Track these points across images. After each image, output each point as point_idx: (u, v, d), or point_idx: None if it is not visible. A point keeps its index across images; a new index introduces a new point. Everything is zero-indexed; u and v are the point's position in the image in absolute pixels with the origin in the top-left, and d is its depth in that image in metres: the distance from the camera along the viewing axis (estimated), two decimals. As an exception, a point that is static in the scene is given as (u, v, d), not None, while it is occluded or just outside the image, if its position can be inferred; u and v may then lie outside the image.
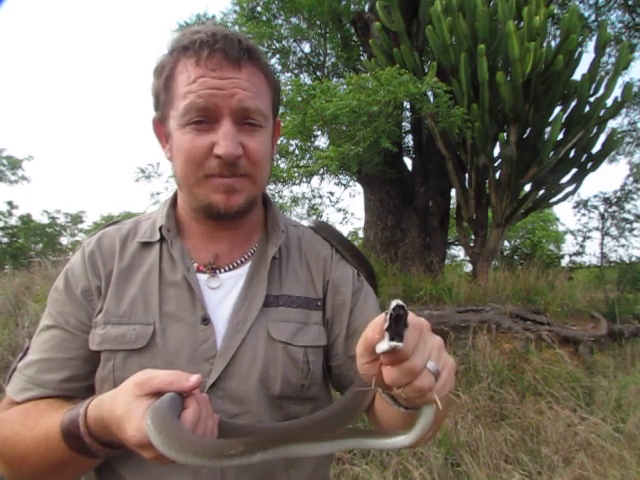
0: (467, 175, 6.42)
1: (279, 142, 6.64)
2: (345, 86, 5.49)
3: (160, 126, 0.84)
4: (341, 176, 7.32)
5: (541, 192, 6.31)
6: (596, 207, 9.80)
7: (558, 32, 6.71)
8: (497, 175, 6.07)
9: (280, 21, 7.70)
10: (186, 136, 0.76)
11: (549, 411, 3.54)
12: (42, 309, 0.86)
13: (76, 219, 13.70)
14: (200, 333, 0.78)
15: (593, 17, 8.59)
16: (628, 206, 9.81)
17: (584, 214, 9.93)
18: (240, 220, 0.84)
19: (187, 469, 0.74)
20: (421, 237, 6.89)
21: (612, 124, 7.37)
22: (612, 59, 8.34)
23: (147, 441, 0.56)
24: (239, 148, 0.75)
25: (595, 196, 9.78)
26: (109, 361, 0.77)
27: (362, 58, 7.35)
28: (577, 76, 5.73)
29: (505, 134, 5.66)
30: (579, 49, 5.70)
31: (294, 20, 7.67)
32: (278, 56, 7.96)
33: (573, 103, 5.76)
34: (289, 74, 8.19)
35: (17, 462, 0.73)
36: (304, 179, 6.08)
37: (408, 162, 7.77)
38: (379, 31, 6.11)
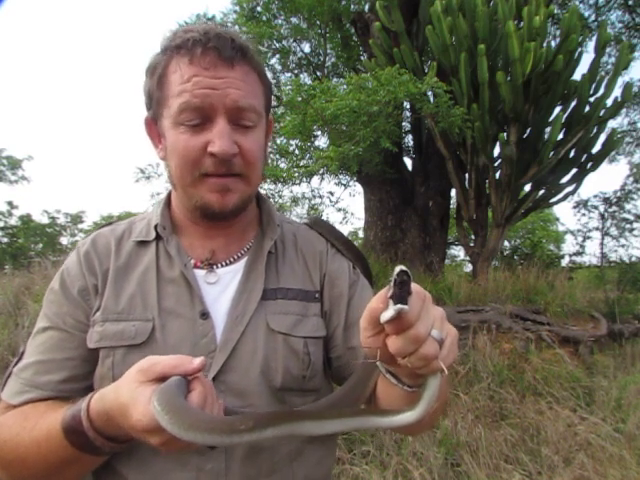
0: (467, 175, 6.41)
1: (279, 142, 6.64)
2: (345, 86, 5.49)
3: (153, 125, 0.83)
4: (341, 176, 7.32)
5: (541, 192, 6.31)
6: (596, 207, 9.82)
7: (558, 32, 6.71)
8: (497, 175, 6.07)
9: (280, 21, 7.70)
10: (181, 136, 0.76)
11: (549, 411, 3.54)
12: (42, 309, 0.86)
13: (76, 219, 13.69)
14: (199, 328, 0.78)
15: (593, 17, 8.60)
16: (628, 206, 9.83)
17: (584, 214, 9.95)
18: (234, 219, 0.85)
19: (190, 465, 0.74)
20: (421, 237, 6.89)
21: (612, 124, 7.38)
22: (612, 59, 8.34)
23: (154, 425, 0.56)
24: (234, 146, 0.76)
25: (595, 196, 9.81)
26: (108, 358, 0.76)
27: (362, 58, 7.35)
28: (577, 76, 5.74)
29: (505, 134, 5.66)
30: (579, 49, 5.70)
31: (294, 20, 7.67)
32: (278, 56, 7.95)
33: (573, 103, 5.76)
34: (289, 74, 8.20)
35: (16, 465, 0.72)
36: (304, 179, 6.08)
37: (408, 162, 7.78)
38: (379, 31, 6.11)
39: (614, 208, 9.82)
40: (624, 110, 8.84)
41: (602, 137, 5.93)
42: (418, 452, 2.93)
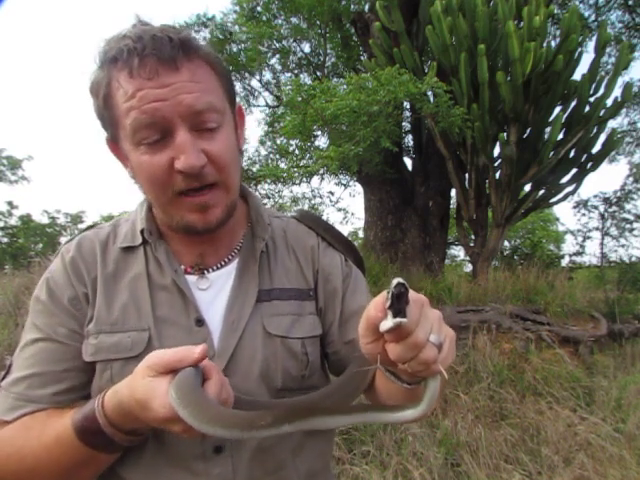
0: (467, 175, 6.41)
1: (279, 142, 6.64)
2: (345, 86, 5.49)
3: (114, 145, 0.77)
4: (341, 176, 7.33)
5: (541, 192, 6.31)
6: (596, 207, 9.80)
7: (558, 32, 6.71)
8: (497, 175, 6.07)
9: (280, 21, 7.70)
10: (143, 157, 0.70)
11: (549, 411, 3.54)
12: (28, 320, 0.81)
13: (76, 219, 13.68)
14: (196, 335, 0.76)
15: (593, 17, 8.59)
16: (628, 206, 9.81)
17: (584, 214, 9.93)
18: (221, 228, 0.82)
19: (198, 472, 0.73)
20: (421, 237, 6.89)
21: (612, 124, 7.36)
22: (612, 59, 8.34)
23: (174, 415, 0.58)
24: (201, 157, 0.69)
25: (595, 196, 9.78)
26: (106, 371, 0.74)
27: (362, 58, 7.35)
28: (577, 76, 5.74)
29: (505, 134, 5.66)
30: (579, 49, 5.70)
31: (294, 20, 7.67)
32: (278, 56, 7.96)
33: (573, 103, 5.76)
34: (289, 74, 8.21)
35: (23, 476, 0.71)
36: (304, 179, 6.08)
37: (408, 162, 7.78)
38: (379, 31, 6.11)
39: (614, 208, 9.81)
40: (624, 110, 8.83)
41: (602, 137, 5.94)
42: (418, 452, 2.93)
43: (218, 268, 0.83)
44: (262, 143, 7.59)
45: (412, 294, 0.52)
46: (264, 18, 7.50)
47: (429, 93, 5.55)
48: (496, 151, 5.99)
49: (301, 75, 8.10)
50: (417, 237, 6.88)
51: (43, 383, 0.74)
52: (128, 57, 0.67)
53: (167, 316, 0.78)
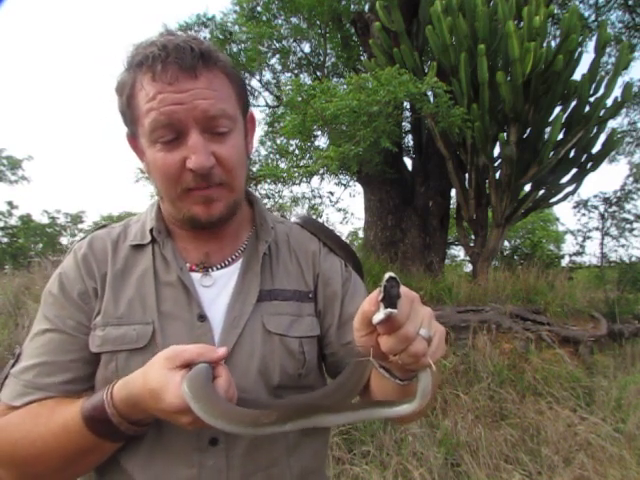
0: (467, 175, 6.41)
1: (279, 142, 6.64)
2: (345, 86, 5.49)
3: (134, 141, 0.84)
4: (341, 176, 7.33)
5: (541, 192, 6.31)
6: (596, 207, 9.80)
7: (558, 32, 6.71)
8: (497, 175, 6.07)
9: (280, 21, 7.69)
10: (158, 154, 0.76)
11: (549, 411, 3.54)
12: (39, 311, 0.86)
13: (76, 219, 13.69)
14: (197, 330, 0.80)
15: (593, 17, 8.59)
16: (628, 206, 9.81)
17: (584, 214, 9.93)
18: (224, 224, 0.85)
19: (193, 462, 0.76)
20: (421, 237, 6.89)
21: (612, 124, 7.37)
22: (612, 59, 8.34)
23: (184, 407, 0.63)
24: (210, 158, 0.75)
25: (595, 196, 9.78)
26: (111, 362, 0.78)
27: (362, 58, 7.35)
28: (577, 76, 5.74)
29: (505, 134, 5.66)
30: (579, 49, 5.70)
31: (294, 20, 7.66)
32: (278, 56, 7.96)
33: (573, 103, 5.76)
34: (289, 74, 8.20)
35: (29, 463, 0.74)
36: (304, 179, 6.08)
37: (408, 162, 7.78)
38: (379, 31, 6.11)
39: (614, 208, 9.81)
40: (624, 110, 8.84)
41: (602, 137, 5.93)
42: (418, 452, 2.93)
43: (222, 267, 0.87)
44: (262, 143, 7.58)
45: (404, 289, 0.56)
46: (264, 18, 7.50)
47: (429, 93, 5.55)
48: (496, 151, 5.99)
49: (301, 75, 8.10)
50: (417, 237, 6.88)
51: (51, 372, 0.77)
52: (153, 63, 0.73)
53: (171, 311, 0.81)
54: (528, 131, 5.90)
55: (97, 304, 0.82)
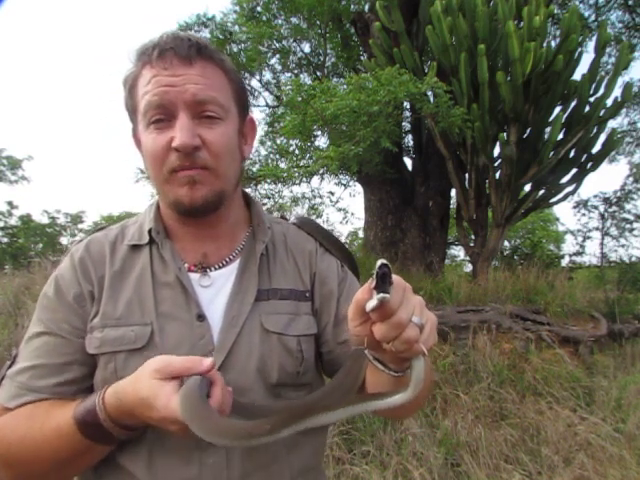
0: (467, 175, 6.41)
1: (279, 142, 6.64)
2: (345, 86, 5.49)
3: (136, 136, 0.86)
4: (341, 176, 7.33)
5: (541, 192, 6.31)
6: (596, 207, 9.80)
7: (558, 32, 6.71)
8: (497, 175, 6.07)
9: (280, 21, 7.69)
10: (150, 136, 0.78)
11: (549, 411, 3.54)
12: (35, 314, 0.86)
13: (76, 219, 13.70)
14: (196, 330, 0.80)
15: (593, 17, 8.59)
16: (628, 206, 9.81)
17: (584, 214, 9.93)
18: (215, 217, 0.85)
19: (193, 461, 0.77)
20: (421, 237, 6.89)
21: (612, 124, 7.36)
22: (612, 59, 8.34)
23: (175, 418, 0.64)
24: (196, 139, 0.76)
25: (595, 196, 9.78)
26: (110, 363, 0.78)
27: (362, 58, 7.35)
28: (577, 76, 5.74)
29: (505, 134, 5.66)
30: (579, 49, 5.70)
31: (294, 20, 7.66)
32: (278, 56, 7.95)
33: (573, 103, 5.76)
34: (289, 74, 8.20)
35: (23, 464, 0.74)
36: (304, 179, 6.08)
37: (408, 162, 7.78)
38: (379, 31, 6.11)
39: (614, 208, 9.80)
40: (624, 110, 8.84)
41: (602, 137, 5.94)
42: (418, 452, 2.93)
43: (220, 267, 0.87)
44: (262, 143, 7.59)
45: (396, 278, 0.57)
46: (264, 18, 7.50)
47: (429, 93, 5.55)
48: (496, 151, 5.99)
49: (301, 75, 8.10)
50: (417, 237, 6.88)
51: (45, 374, 0.78)
52: (152, 51, 0.77)
53: (169, 311, 0.82)
54: (528, 131, 5.90)
55: (94, 306, 0.82)
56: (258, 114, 8.25)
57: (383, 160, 5.93)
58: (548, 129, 5.84)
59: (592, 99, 5.68)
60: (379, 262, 0.54)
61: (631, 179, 9.84)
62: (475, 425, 3.29)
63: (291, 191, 6.94)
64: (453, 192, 7.01)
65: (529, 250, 10.88)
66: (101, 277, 0.84)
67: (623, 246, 9.75)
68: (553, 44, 5.93)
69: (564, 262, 10.41)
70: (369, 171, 6.06)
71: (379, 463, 2.85)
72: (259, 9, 7.55)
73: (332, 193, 7.21)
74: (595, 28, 7.48)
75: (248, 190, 4.86)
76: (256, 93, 8.21)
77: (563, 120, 5.66)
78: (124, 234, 0.89)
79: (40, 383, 0.77)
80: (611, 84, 5.60)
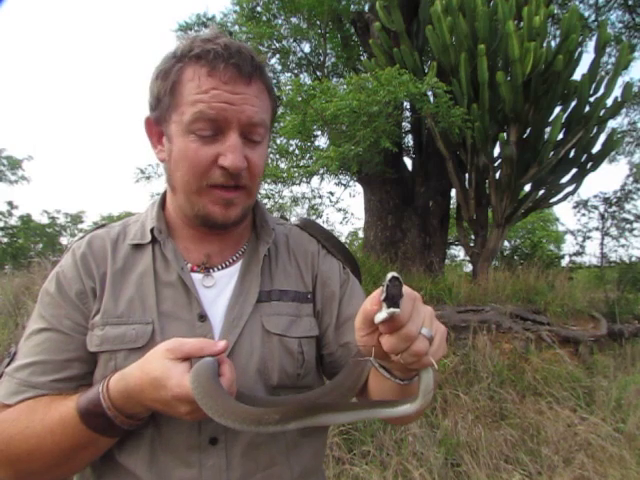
0: (467, 175, 6.41)
1: (279, 142, 6.64)
2: (345, 86, 5.48)
3: (153, 125, 0.84)
4: (341, 176, 7.32)
5: (541, 192, 6.31)
6: (596, 207, 9.80)
7: (558, 32, 6.71)
8: (497, 175, 6.07)
9: (280, 21, 7.70)
10: (191, 144, 0.77)
11: (549, 411, 3.54)
12: (35, 310, 0.85)
13: (76, 219, 13.71)
14: (198, 330, 0.80)
15: (593, 17, 8.59)
16: (628, 206, 9.81)
17: (584, 214, 9.93)
18: (233, 227, 0.86)
19: (193, 462, 0.76)
20: (421, 237, 6.89)
21: (612, 124, 7.38)
22: (612, 59, 8.34)
23: (186, 396, 0.64)
24: (245, 161, 0.78)
25: (595, 196, 9.79)
26: (110, 361, 0.78)
27: (362, 58, 7.35)
28: (577, 76, 5.75)
29: (505, 134, 5.66)
30: (579, 49, 5.70)
31: (294, 20, 7.67)
32: (278, 56, 7.96)
33: (573, 103, 5.76)
34: (289, 74, 8.20)
35: (24, 458, 0.73)
36: (304, 179, 6.08)
37: (408, 162, 7.77)
38: (379, 31, 6.11)
39: (614, 208, 9.80)
40: (624, 110, 8.84)
41: (602, 137, 5.95)
42: (418, 452, 2.93)
43: (223, 268, 0.87)
44: (262, 143, 7.57)
45: (406, 289, 0.56)
46: (264, 18, 7.50)
47: (429, 93, 5.55)
48: (496, 151, 6.00)
49: (301, 75, 8.10)
50: (417, 237, 6.88)
51: (45, 371, 0.77)
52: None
53: (171, 311, 0.81)
54: (528, 131, 5.91)
55: (96, 304, 0.81)
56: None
57: (383, 160, 5.93)
58: (548, 129, 5.84)
59: (592, 99, 5.69)
60: (389, 275, 0.54)
61: (631, 179, 9.85)
62: (475, 425, 3.29)
63: (291, 191, 6.94)
64: (453, 192, 7.02)
65: (529, 250, 10.88)
66: (103, 274, 0.83)
67: (623, 246, 9.76)
68: (553, 44, 5.94)
69: (564, 262, 10.42)
70: (369, 171, 6.06)
71: (379, 463, 2.85)
72: (259, 9, 7.56)
73: (332, 193, 7.21)
74: (595, 28, 7.48)
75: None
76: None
77: (563, 120, 5.67)
78: (126, 232, 0.89)
79: (40, 379, 0.77)
80: (611, 84, 5.60)
